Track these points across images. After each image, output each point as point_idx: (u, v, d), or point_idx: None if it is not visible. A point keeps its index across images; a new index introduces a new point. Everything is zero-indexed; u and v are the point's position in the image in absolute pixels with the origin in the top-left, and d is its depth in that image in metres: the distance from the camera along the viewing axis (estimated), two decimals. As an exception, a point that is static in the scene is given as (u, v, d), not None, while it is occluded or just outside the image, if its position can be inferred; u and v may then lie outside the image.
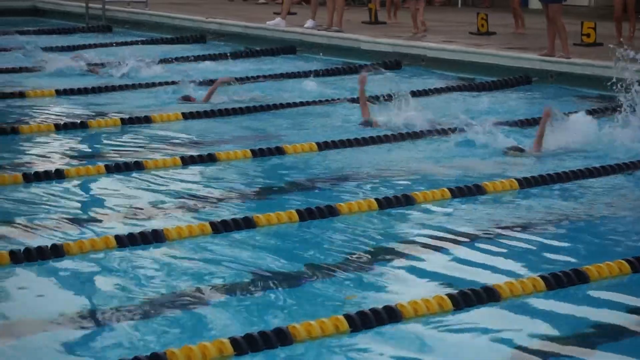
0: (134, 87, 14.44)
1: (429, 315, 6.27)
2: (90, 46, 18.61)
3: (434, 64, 16.45)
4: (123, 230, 7.87)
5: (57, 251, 7.36)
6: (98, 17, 21.66)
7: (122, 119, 12.19)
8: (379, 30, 18.93)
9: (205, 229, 7.91)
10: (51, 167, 9.79)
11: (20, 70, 15.80)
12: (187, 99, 13.37)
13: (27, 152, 10.90)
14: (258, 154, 10.43)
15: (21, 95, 13.71)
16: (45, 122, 12.06)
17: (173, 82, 14.38)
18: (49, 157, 10.54)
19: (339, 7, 18.69)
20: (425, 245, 7.75)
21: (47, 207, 8.77)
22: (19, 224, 8.24)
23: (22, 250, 7.30)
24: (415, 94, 13.97)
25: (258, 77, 15.36)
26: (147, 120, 12.19)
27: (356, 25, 19.65)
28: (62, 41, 19.22)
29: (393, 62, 16.70)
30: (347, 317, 6.06)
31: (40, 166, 9.92)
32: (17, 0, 23.81)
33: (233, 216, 8.20)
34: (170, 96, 13.78)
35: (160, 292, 6.78)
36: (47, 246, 7.39)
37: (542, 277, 6.75)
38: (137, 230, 7.80)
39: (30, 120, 12.27)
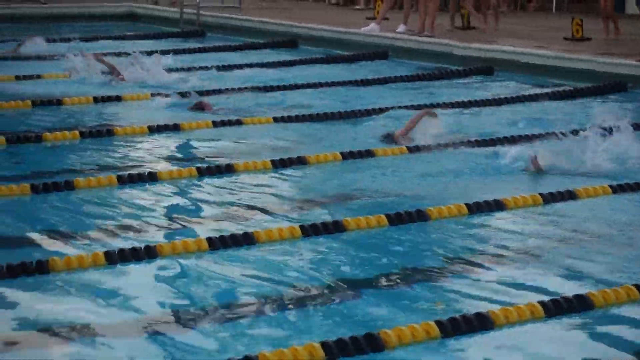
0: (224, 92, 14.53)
1: (521, 323, 6.21)
2: (184, 51, 18.84)
3: (527, 70, 16.29)
4: (214, 232, 7.93)
5: (150, 252, 7.46)
6: (192, 22, 21.90)
7: (214, 122, 12.29)
8: (471, 36, 18.82)
9: (295, 233, 7.94)
10: (144, 169, 9.91)
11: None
12: (199, 106, 13.12)
13: (122, 154, 11.05)
14: (348, 157, 10.44)
15: (117, 99, 13.89)
16: (139, 124, 12.18)
17: (260, 88, 14.48)
18: (143, 159, 10.68)
19: (430, 12, 18.62)
20: (518, 252, 7.68)
21: (140, 208, 8.89)
22: (113, 225, 8.37)
23: (116, 251, 7.41)
24: (505, 100, 13.91)
25: (348, 82, 15.39)
26: (238, 122, 12.28)
27: (448, 30, 19.56)
28: (157, 46, 19.48)
29: (485, 68, 16.58)
30: (438, 323, 6.03)
31: (134, 168, 10.06)
32: (114, 6, 24.21)
33: (322, 220, 8.21)
34: (257, 101, 13.87)
35: (251, 294, 6.82)
36: (140, 247, 7.49)
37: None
38: (228, 232, 7.86)
39: (124, 123, 12.42)
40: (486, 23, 19.65)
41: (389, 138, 11.19)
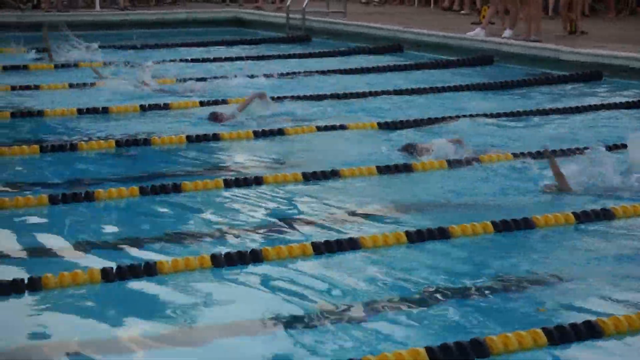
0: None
1: (631, 333, 6.10)
2: (289, 56, 18.97)
3: (636, 75, 16.00)
4: (319, 237, 7.96)
5: (256, 256, 7.52)
6: (298, 27, 22.04)
7: (317, 127, 12.34)
8: (578, 41, 18.55)
9: (401, 238, 7.93)
10: (250, 173, 9.99)
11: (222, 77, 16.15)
12: (215, 117, 12.93)
13: (228, 158, 11.16)
14: (455, 164, 10.38)
15: (224, 102, 14.04)
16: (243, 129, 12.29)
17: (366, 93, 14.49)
18: (248, 164, 10.78)
19: (533, 17, 18.41)
20: (631, 261, 7.55)
21: (246, 212, 8.97)
22: (220, 228, 8.46)
23: (223, 254, 7.50)
24: (614, 106, 13.68)
25: (452, 87, 15.33)
26: (342, 127, 12.31)
27: (555, 36, 19.32)
28: (262, 51, 19.66)
29: (594, 73, 16.33)
30: (546, 330, 5.96)
31: (240, 172, 10.15)
32: (220, 12, 24.50)
33: (428, 226, 8.18)
34: (362, 106, 13.88)
35: (355, 299, 6.83)
36: (246, 251, 7.57)
37: None
38: (333, 237, 7.89)
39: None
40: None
41: (410, 150, 10.82)
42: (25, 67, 16.94)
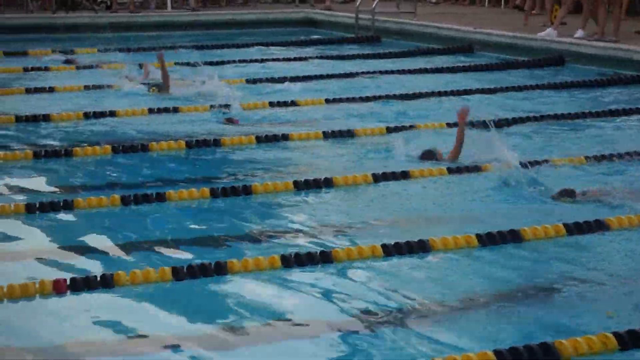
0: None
1: None
2: (358, 56, 18.98)
3: None
4: (389, 239, 7.96)
5: (325, 257, 7.56)
6: (367, 27, 22.04)
7: (387, 127, 12.33)
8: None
9: (472, 241, 7.91)
10: (320, 175, 10.01)
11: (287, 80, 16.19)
12: (230, 121, 12.88)
13: (297, 159, 11.20)
14: (527, 166, 10.29)
15: (293, 104, 14.09)
16: (314, 129, 12.32)
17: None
18: (318, 165, 10.80)
19: (601, 17, 18.19)
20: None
21: (315, 213, 9.00)
22: (289, 229, 8.51)
23: (292, 254, 7.54)
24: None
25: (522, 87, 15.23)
26: (411, 127, 12.27)
27: (630, 35, 19.07)
28: (332, 51, 19.69)
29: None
30: (616, 335, 5.91)
31: (310, 174, 10.18)
32: (292, 12, 24.59)
33: (499, 229, 8.15)
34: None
35: (424, 300, 6.83)
36: (316, 252, 7.60)
37: None
38: (403, 239, 7.88)
39: (298, 128, 12.58)
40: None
41: (429, 155, 10.62)
42: (97, 66, 17.15)
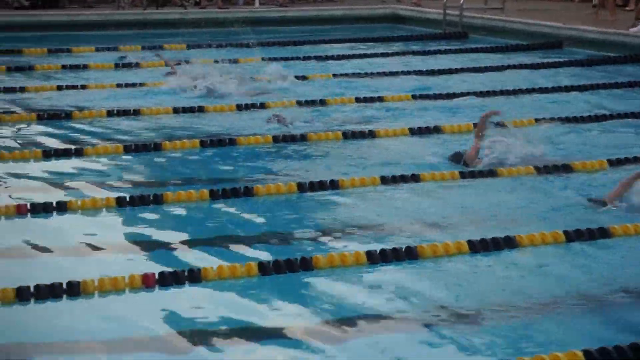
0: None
1: None
2: (445, 52, 18.89)
3: None
4: (475, 235, 7.91)
5: (411, 253, 7.57)
6: (455, 23, 21.91)
7: (474, 124, 12.23)
8: None
9: (559, 238, 7.84)
10: (407, 170, 9.97)
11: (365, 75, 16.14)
12: (278, 118, 12.59)
13: (383, 155, 11.16)
14: (616, 163, 10.16)
15: (379, 99, 14.08)
16: (400, 125, 12.26)
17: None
18: (404, 160, 10.75)
19: None
20: None
21: (402, 209, 8.99)
22: (377, 224, 8.51)
23: (377, 251, 7.54)
24: None
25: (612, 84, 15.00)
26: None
27: None
28: (419, 47, 19.62)
29: None
30: None
31: (396, 169, 10.16)
32: (378, 8, 24.55)
33: (588, 226, 8.05)
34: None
35: (510, 298, 6.78)
36: (401, 248, 7.61)
37: None
38: (487, 236, 7.84)
39: (384, 124, 12.55)
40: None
41: (458, 158, 10.40)
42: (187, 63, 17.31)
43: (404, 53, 18.65)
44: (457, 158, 10.37)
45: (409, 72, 16.31)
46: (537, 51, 19.17)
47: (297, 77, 15.60)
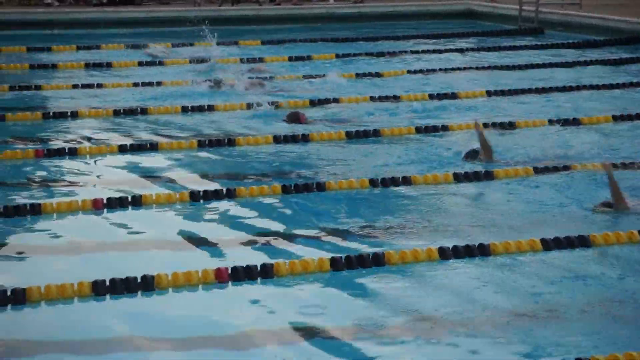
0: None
1: None
2: (520, 47, 18.73)
3: None
4: (548, 234, 7.83)
5: (484, 250, 7.56)
6: (530, 19, 21.72)
7: (550, 121, 12.13)
8: None
9: (634, 238, 7.74)
10: (480, 167, 9.93)
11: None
12: (297, 118, 12.40)
13: (456, 151, 11.09)
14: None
15: (453, 96, 14.01)
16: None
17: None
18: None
19: None
20: None
21: (474, 206, 8.98)
22: (450, 221, 8.48)
23: (450, 248, 7.54)
24: None
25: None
26: (575, 122, 12.04)
27: None
28: (493, 43, 19.48)
29: None
30: None
31: (469, 165, 10.12)
32: (452, 4, 24.43)
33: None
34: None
35: (580, 297, 6.73)
36: (474, 245, 7.59)
37: None
38: (562, 235, 7.78)
39: (457, 119, 12.49)
40: None
41: (474, 156, 10.29)
42: (261, 60, 17.39)
43: (478, 49, 18.53)
44: (473, 156, 10.30)
45: (483, 68, 16.21)
46: (615, 47, 18.91)
47: (369, 74, 15.60)
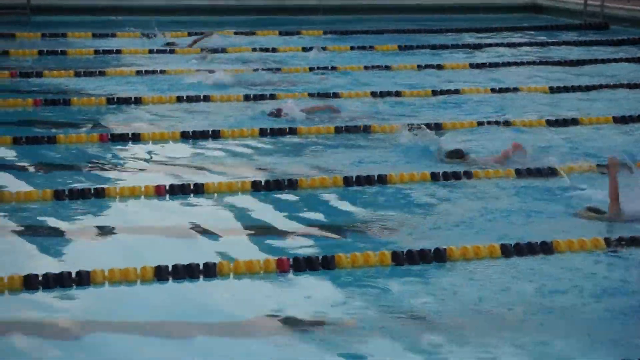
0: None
1: None
2: (584, 43, 18.55)
3: None
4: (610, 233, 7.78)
5: (547, 248, 7.53)
6: (596, 14, 21.50)
7: (614, 118, 12.02)
8: None
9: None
10: (543, 163, 9.87)
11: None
12: (278, 114, 12.15)
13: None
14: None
15: (515, 90, 13.92)
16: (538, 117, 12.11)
17: None
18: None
19: None
20: None
21: (537, 202, 8.89)
22: (509, 218, 8.45)
23: (512, 245, 7.51)
24: None
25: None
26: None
27: None
28: (557, 38, 19.32)
29: None
30: None
31: (533, 162, 10.05)
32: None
33: None
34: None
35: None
36: (537, 242, 7.54)
37: None
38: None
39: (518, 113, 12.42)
40: None
41: (455, 155, 10.09)
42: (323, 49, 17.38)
43: (542, 43, 18.39)
44: (456, 155, 10.13)
45: (546, 63, 16.10)
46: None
47: (431, 66, 15.56)
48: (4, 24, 18.86)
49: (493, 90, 13.89)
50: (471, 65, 15.86)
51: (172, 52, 16.77)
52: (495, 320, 6.39)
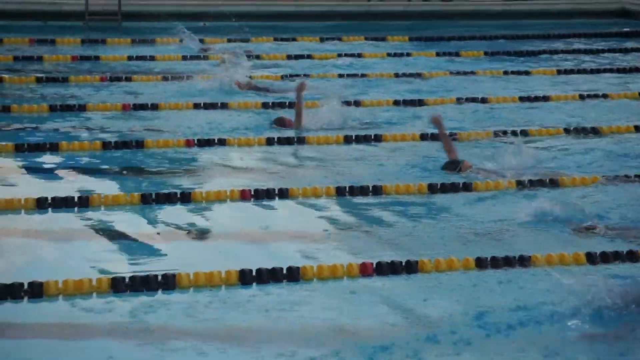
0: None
1: None
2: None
3: None
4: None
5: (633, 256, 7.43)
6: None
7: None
8: None
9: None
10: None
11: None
12: (281, 123, 11.96)
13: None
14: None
15: (604, 97, 13.77)
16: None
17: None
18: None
19: None
20: None
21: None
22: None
23: (598, 253, 7.46)
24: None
25: None
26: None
27: None
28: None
29: None
30: None
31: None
32: (605, 3, 23.95)
33: None
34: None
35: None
36: (622, 252, 7.47)
37: None
38: None
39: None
40: None
41: (454, 166, 9.87)
42: (408, 54, 17.36)
43: (631, 49, 18.13)
44: (452, 166, 9.90)
45: (635, 70, 15.87)
46: None
47: (516, 72, 15.45)
48: (96, 29, 19.17)
49: (581, 97, 13.71)
50: (559, 71, 15.69)
51: (257, 57, 16.87)
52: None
